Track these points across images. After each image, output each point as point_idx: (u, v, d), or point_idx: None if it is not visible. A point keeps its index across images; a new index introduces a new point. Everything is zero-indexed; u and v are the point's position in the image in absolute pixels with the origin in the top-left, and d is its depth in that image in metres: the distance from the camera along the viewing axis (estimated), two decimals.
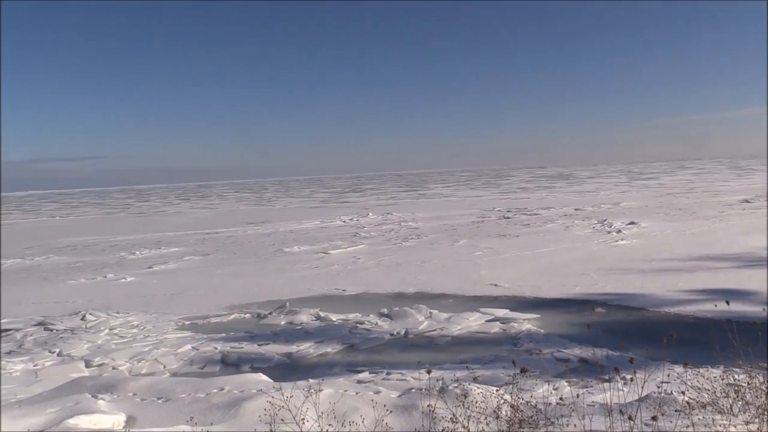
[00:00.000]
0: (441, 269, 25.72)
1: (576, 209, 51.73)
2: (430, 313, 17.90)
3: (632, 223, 38.26)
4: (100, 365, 14.79)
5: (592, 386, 10.50)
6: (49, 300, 23.77)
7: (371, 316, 18.16)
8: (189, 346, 15.84)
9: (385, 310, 18.48)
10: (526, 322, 16.72)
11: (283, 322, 18.30)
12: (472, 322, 16.97)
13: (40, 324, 19.58)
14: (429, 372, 5.57)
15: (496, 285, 21.76)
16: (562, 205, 57.18)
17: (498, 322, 16.84)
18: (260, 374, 11.68)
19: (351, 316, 18.39)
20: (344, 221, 52.15)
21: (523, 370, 4.95)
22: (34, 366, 14.90)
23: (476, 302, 19.43)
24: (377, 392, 10.32)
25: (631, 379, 5.37)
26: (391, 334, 16.28)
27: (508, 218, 47.43)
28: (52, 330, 18.75)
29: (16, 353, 16.29)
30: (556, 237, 34.21)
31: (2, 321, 20.16)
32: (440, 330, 16.38)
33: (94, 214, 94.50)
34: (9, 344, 17.38)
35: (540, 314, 17.53)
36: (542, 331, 15.96)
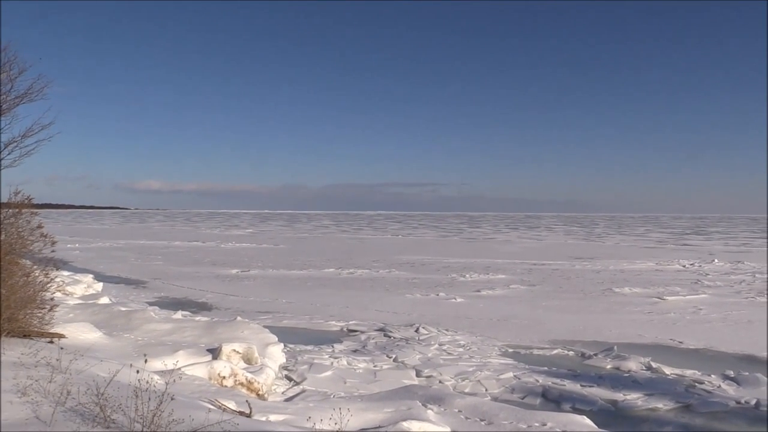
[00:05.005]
0: None
1: None
2: None
3: None
4: (428, 377, 15.78)
5: None
6: (389, 309, 26.37)
7: (713, 376, 16.02)
8: (511, 374, 15.94)
9: (731, 373, 16.14)
10: None
11: (608, 366, 17.28)
12: None
13: (380, 330, 21.88)
14: None
15: None
16: None
17: None
18: (584, 417, 11.19)
19: (688, 372, 16.49)
20: (684, 266, 47.44)
21: None
22: (374, 367, 16.59)
23: None
24: None
25: None
26: (738, 402, 14.10)
27: None
28: (390, 337, 20.76)
29: (360, 353, 18.41)
30: None
31: (351, 323, 23.16)
32: None
33: (431, 236, 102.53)
34: (355, 344, 19.77)
35: None
36: None
